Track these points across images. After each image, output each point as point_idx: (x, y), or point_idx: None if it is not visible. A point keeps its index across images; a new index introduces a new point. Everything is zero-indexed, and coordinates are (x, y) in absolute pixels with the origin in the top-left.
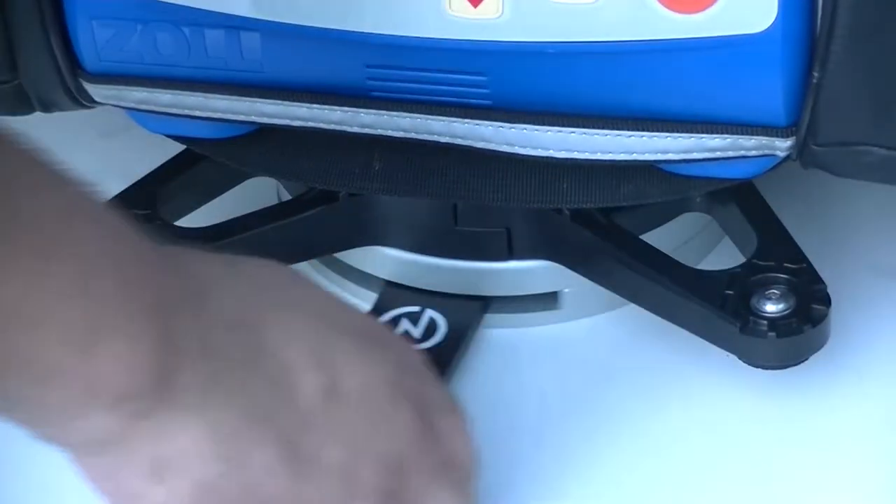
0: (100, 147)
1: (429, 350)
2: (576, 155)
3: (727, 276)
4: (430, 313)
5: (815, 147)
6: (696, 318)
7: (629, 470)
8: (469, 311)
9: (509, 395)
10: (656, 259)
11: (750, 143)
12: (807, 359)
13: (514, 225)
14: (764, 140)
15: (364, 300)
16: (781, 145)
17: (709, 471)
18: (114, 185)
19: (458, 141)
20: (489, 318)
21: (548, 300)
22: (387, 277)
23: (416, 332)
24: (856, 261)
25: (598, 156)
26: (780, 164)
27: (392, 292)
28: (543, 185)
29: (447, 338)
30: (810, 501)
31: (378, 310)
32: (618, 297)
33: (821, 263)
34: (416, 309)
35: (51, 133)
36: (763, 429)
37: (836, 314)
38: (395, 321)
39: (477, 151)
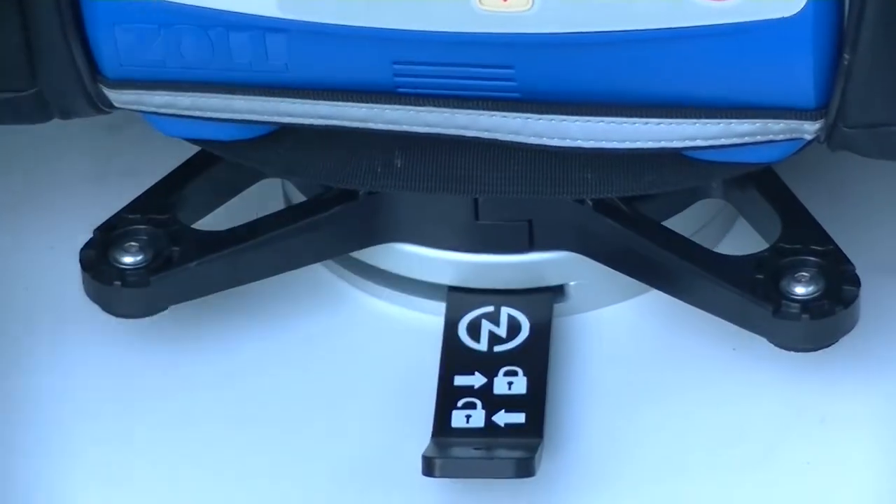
0: (104, 141)
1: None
2: (604, 144)
3: (755, 261)
4: (507, 311)
5: (843, 129)
6: (727, 303)
7: (634, 461)
8: (543, 303)
9: None
10: (682, 246)
11: (778, 127)
12: (837, 340)
13: (535, 217)
14: (793, 123)
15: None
16: (810, 128)
17: (715, 462)
18: (118, 179)
19: (485, 134)
20: None
21: (555, 293)
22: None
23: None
24: (870, 260)
25: (627, 144)
26: (804, 147)
27: (457, 296)
28: (566, 175)
29: (533, 332)
30: (820, 494)
31: (451, 315)
32: (623, 289)
33: None
34: (491, 309)
35: (55, 127)
36: (769, 422)
37: None
38: (476, 324)
39: (502, 144)
